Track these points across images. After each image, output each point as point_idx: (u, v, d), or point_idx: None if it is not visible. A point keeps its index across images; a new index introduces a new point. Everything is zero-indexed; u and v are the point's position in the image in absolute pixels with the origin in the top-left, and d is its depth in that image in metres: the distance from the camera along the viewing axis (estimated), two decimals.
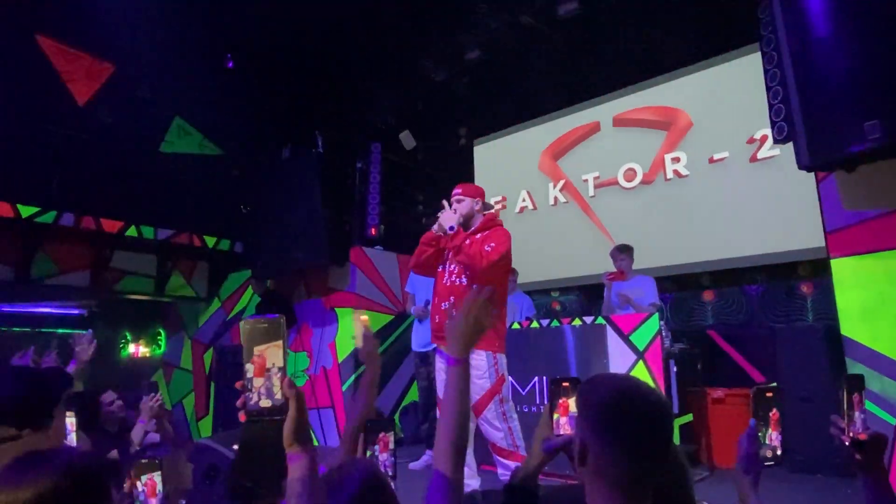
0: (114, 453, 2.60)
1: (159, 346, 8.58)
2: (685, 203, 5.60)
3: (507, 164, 7.14)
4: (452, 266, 3.17)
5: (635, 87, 6.12)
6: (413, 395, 6.16)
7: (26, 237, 6.04)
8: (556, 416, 1.26)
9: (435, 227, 3.19)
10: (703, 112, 5.61)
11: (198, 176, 6.86)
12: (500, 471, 3.11)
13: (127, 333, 8.76)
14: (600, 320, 4.17)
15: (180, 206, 6.65)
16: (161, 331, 8.55)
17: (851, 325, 3.62)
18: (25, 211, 5.51)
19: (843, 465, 3.60)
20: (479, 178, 7.40)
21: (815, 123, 3.35)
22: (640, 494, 0.97)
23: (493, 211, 3.39)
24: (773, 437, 1.25)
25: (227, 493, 1.34)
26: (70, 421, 1.64)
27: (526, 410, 4.32)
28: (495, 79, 6.77)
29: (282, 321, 0.98)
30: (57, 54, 5.86)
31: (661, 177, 5.81)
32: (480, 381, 3.02)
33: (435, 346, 3.43)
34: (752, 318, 5.23)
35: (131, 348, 8.72)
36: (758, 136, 5.14)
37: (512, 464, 3.02)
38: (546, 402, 1.30)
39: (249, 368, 0.96)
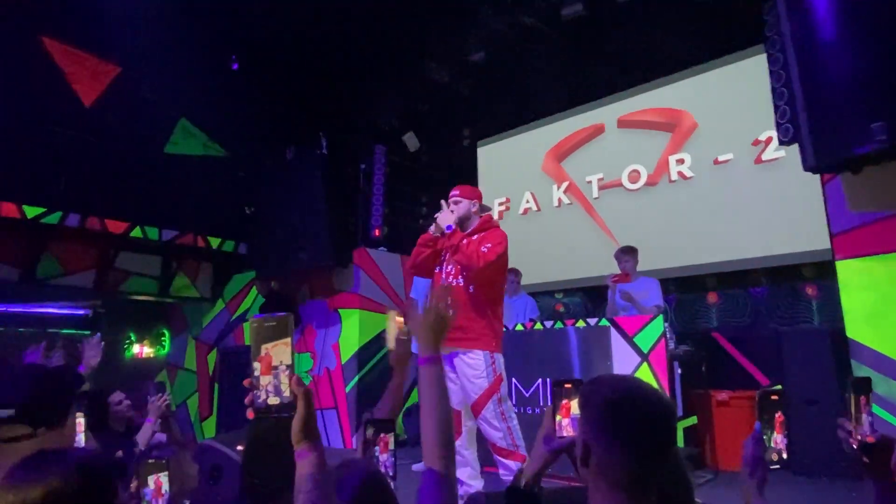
0: (118, 453, 2.61)
1: (163, 347, 8.60)
2: (690, 205, 5.58)
3: (511, 166, 7.14)
4: (449, 267, 3.19)
5: (639, 88, 6.11)
6: (416, 396, 6.16)
7: (32, 238, 6.07)
8: (558, 417, 1.25)
9: (432, 227, 3.20)
10: (707, 113, 5.60)
11: (202, 177, 6.88)
12: (501, 471, 3.11)
13: (131, 334, 8.78)
14: (604, 322, 4.16)
15: (185, 207, 6.68)
16: (165, 331, 8.58)
17: (857, 328, 3.61)
18: (31, 211, 5.53)
19: (849, 468, 3.58)
20: (483, 180, 7.40)
21: (821, 125, 3.34)
22: (643, 495, 0.97)
23: (489, 213, 3.39)
24: (777, 440, 1.25)
25: (241, 492, 1.35)
26: (79, 421, 1.65)
27: (529, 412, 4.31)
28: (499, 80, 6.77)
29: (290, 319, 0.98)
30: (62, 56, 5.89)
31: (665, 178, 5.80)
32: (479, 381, 3.02)
33: None
34: (757, 320, 5.21)
35: (135, 349, 8.73)
36: (763, 137, 5.12)
37: (512, 463, 3.02)
38: (549, 404, 1.29)
39: (257, 366, 0.96)
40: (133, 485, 1.46)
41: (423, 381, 1.23)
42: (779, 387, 4.13)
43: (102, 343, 2.62)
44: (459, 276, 3.13)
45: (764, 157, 5.14)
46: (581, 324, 4.30)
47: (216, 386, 7.11)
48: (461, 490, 3.14)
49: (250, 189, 6.99)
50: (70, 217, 5.79)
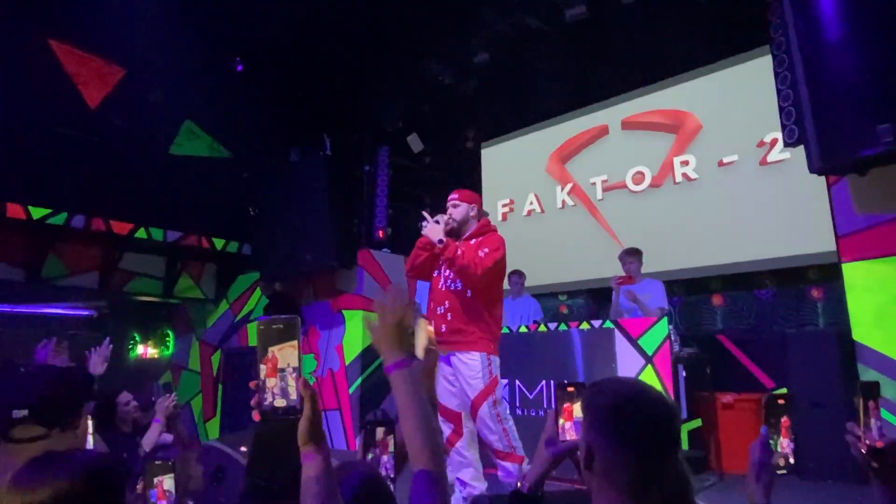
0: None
1: (167, 348, 8.62)
2: (694, 207, 5.57)
3: (515, 167, 7.13)
4: (447, 271, 3.20)
5: (644, 89, 6.10)
6: None
7: (37, 238, 6.10)
8: (561, 421, 1.25)
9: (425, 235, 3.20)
10: (712, 115, 5.58)
11: (207, 178, 6.90)
12: (499, 473, 3.13)
13: (135, 334, 8.80)
14: (608, 324, 4.15)
15: (189, 208, 6.70)
16: (169, 332, 8.59)
17: (864, 331, 3.59)
18: (36, 212, 5.56)
19: (855, 472, 3.56)
20: (487, 181, 7.40)
21: (827, 127, 3.33)
22: (647, 498, 0.96)
23: (487, 217, 3.40)
24: (784, 444, 1.24)
25: (245, 493, 1.34)
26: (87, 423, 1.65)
27: (533, 415, 4.31)
28: (503, 82, 6.77)
29: (297, 321, 0.98)
30: (69, 58, 5.93)
31: (669, 180, 5.79)
32: (474, 382, 3.03)
33: None
34: (762, 322, 5.19)
35: (140, 349, 8.76)
36: (768, 139, 5.11)
37: (510, 465, 3.03)
38: (552, 407, 1.29)
39: (263, 368, 0.96)
40: (139, 486, 1.47)
41: (397, 387, 1.16)
42: (784, 390, 4.11)
43: (111, 346, 2.63)
44: (457, 281, 3.15)
45: (769, 158, 5.13)
46: (585, 326, 4.30)
47: (220, 387, 7.12)
48: (465, 491, 3.14)
49: (254, 190, 7.01)
50: (75, 218, 5.81)
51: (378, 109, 7.24)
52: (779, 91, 3.96)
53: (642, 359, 3.90)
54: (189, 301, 7.71)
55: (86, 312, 9.22)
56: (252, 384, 0.96)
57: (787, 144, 4.01)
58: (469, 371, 3.05)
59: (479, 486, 3.16)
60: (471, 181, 7.22)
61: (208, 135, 7.06)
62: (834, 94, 3.31)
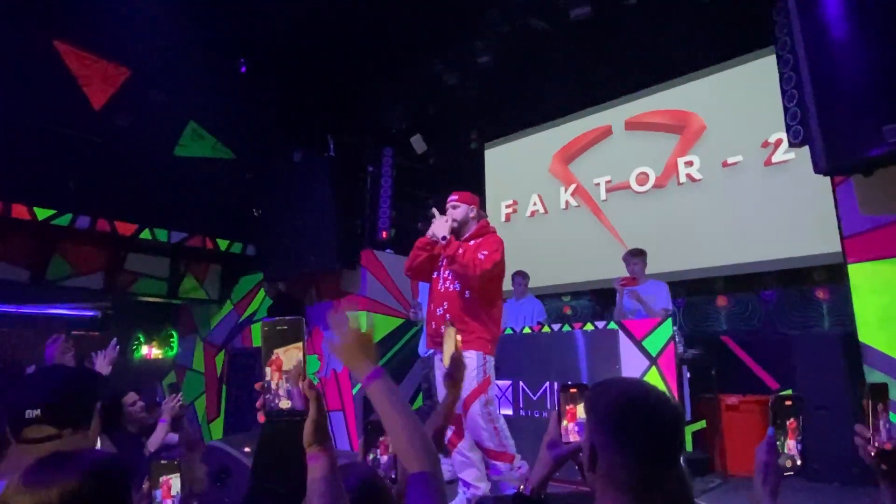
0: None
1: (172, 348, 8.65)
2: (698, 207, 5.55)
3: (519, 168, 7.13)
4: (447, 272, 3.22)
5: (648, 90, 6.08)
6: (421, 400, 6.16)
7: (42, 239, 6.13)
8: (564, 422, 1.25)
9: (429, 232, 3.21)
10: (716, 115, 5.56)
11: (211, 179, 6.92)
12: (490, 472, 3.15)
13: (140, 335, 8.84)
14: (612, 325, 4.14)
15: (193, 209, 6.72)
16: (174, 332, 8.62)
17: (869, 332, 3.57)
18: (42, 213, 5.58)
19: (860, 474, 3.54)
20: (490, 182, 7.40)
21: (832, 127, 3.32)
22: (651, 500, 0.96)
23: (486, 218, 3.41)
24: (790, 445, 1.23)
25: (250, 495, 1.35)
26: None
27: (537, 416, 4.30)
28: (506, 82, 6.76)
29: (301, 323, 0.98)
30: (73, 59, 5.95)
31: (673, 181, 5.77)
32: (467, 381, 3.04)
33: (434, 350, 3.46)
34: (767, 324, 5.17)
35: (144, 350, 8.79)
36: (772, 139, 5.09)
37: (501, 464, 3.05)
38: (554, 408, 1.28)
39: (269, 370, 0.96)
40: (145, 486, 1.47)
41: (376, 397, 1.13)
42: (789, 391, 4.09)
43: (118, 347, 2.63)
44: (456, 281, 3.17)
45: (774, 159, 5.10)
46: (589, 327, 4.28)
47: (224, 387, 7.14)
48: (468, 492, 3.14)
49: (258, 191, 7.03)
50: (80, 219, 5.84)
51: (382, 110, 7.24)
52: (784, 91, 3.94)
53: (646, 360, 3.89)
54: (193, 302, 7.74)
55: (90, 313, 9.26)
56: (257, 386, 0.96)
57: (791, 145, 3.99)
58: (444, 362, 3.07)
59: (482, 487, 3.17)
60: (474, 182, 7.21)
61: (212, 136, 7.09)
62: (839, 94, 3.30)
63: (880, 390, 1.24)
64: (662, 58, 5.89)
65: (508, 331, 4.70)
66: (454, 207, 3.31)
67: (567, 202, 6.59)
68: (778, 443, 1.22)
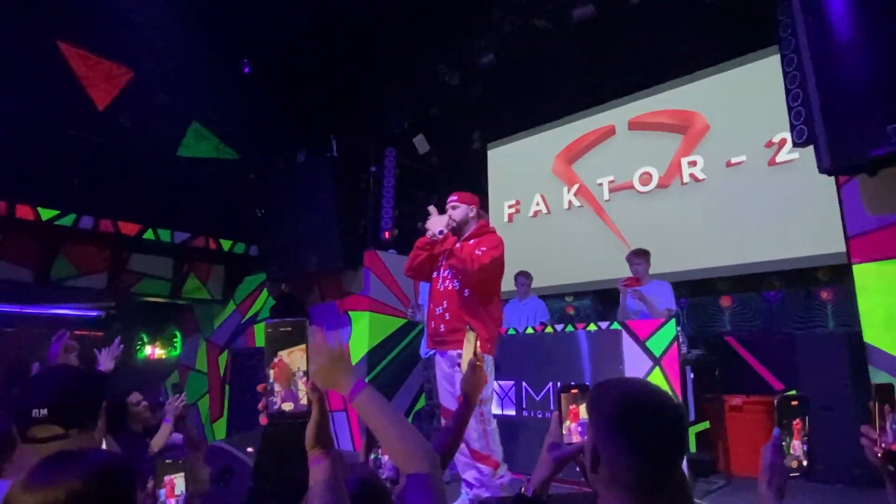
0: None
1: (175, 348, 8.66)
2: (702, 207, 5.54)
3: (521, 168, 7.12)
4: (446, 272, 3.22)
5: (651, 90, 6.07)
6: (423, 401, 6.16)
7: (46, 240, 6.15)
8: (567, 422, 1.24)
9: (429, 232, 3.21)
10: (720, 115, 5.55)
11: (214, 180, 6.94)
12: (473, 473, 3.11)
13: (143, 335, 8.86)
14: (616, 325, 4.13)
15: (197, 209, 6.74)
16: (177, 333, 8.64)
17: (875, 333, 3.55)
18: (45, 214, 5.60)
19: (865, 476, 3.53)
20: (493, 182, 7.39)
21: (837, 126, 3.30)
22: (654, 501, 0.95)
23: (486, 218, 3.41)
24: (795, 446, 1.22)
25: (251, 497, 1.34)
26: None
27: (540, 416, 4.29)
28: (509, 82, 6.76)
29: (305, 324, 0.97)
30: (77, 60, 5.98)
31: (677, 181, 5.75)
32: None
33: (434, 350, 3.45)
34: (771, 324, 5.15)
35: (148, 350, 8.81)
36: (776, 139, 5.07)
37: (484, 468, 3.02)
38: (555, 409, 1.27)
39: (271, 372, 0.96)
40: (149, 485, 1.47)
41: (363, 408, 1.09)
42: (793, 391, 4.07)
43: (121, 347, 2.64)
44: (455, 280, 3.17)
45: (778, 159, 5.09)
46: (592, 327, 4.28)
47: (227, 387, 7.15)
48: (471, 493, 3.13)
49: (261, 192, 7.04)
50: (83, 219, 5.86)
51: (384, 111, 7.24)
52: (788, 91, 3.93)
53: (650, 361, 3.88)
54: (196, 302, 7.75)
55: (94, 313, 9.29)
56: (260, 388, 0.96)
57: (796, 144, 3.97)
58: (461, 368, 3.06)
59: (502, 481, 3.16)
60: (477, 182, 7.21)
61: (215, 136, 7.10)
62: (844, 94, 3.28)
63: (887, 391, 1.23)
64: (666, 57, 5.87)
65: (511, 331, 4.70)
66: (454, 208, 3.32)
67: (570, 202, 6.58)
68: (783, 443, 1.21)
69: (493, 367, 3.23)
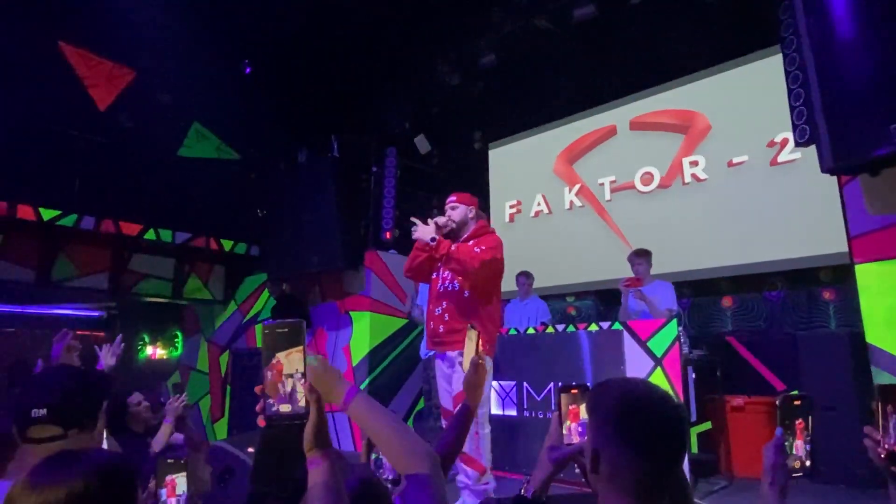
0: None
1: (176, 349, 8.67)
2: (704, 207, 5.52)
3: (522, 168, 7.11)
4: (445, 272, 3.22)
5: (652, 90, 6.06)
6: (423, 402, 6.15)
7: (47, 240, 6.16)
8: (567, 422, 1.24)
9: (417, 240, 3.21)
10: (721, 115, 5.53)
11: (215, 180, 6.94)
12: (459, 476, 3.09)
13: (145, 335, 8.87)
14: (617, 326, 4.12)
15: (198, 209, 6.74)
16: (178, 333, 8.65)
17: (877, 333, 3.54)
18: (47, 214, 5.61)
19: (867, 477, 3.51)
20: (494, 182, 7.38)
21: (839, 126, 3.29)
22: (654, 501, 0.95)
23: (485, 219, 3.41)
24: (798, 446, 1.22)
25: (250, 499, 1.34)
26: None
27: (541, 417, 4.28)
28: (510, 82, 6.76)
29: (302, 325, 0.97)
30: (78, 60, 5.98)
31: (678, 181, 5.74)
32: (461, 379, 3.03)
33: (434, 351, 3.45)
34: (773, 324, 5.13)
35: (149, 350, 8.82)
36: (778, 139, 5.06)
37: (471, 471, 3.00)
38: (555, 410, 1.27)
39: (269, 373, 0.95)
40: (151, 485, 1.47)
41: (359, 414, 1.07)
42: (795, 392, 4.06)
43: (123, 345, 2.63)
44: (455, 281, 3.17)
45: (780, 158, 5.07)
46: (593, 327, 4.27)
47: (228, 388, 7.15)
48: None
49: (262, 192, 7.04)
50: (85, 220, 5.86)
51: (385, 110, 7.24)
52: (790, 90, 3.92)
53: (651, 361, 3.87)
54: (197, 302, 7.76)
55: (95, 313, 9.30)
56: (258, 389, 0.95)
57: (798, 144, 3.96)
58: (460, 368, 3.05)
59: (485, 488, 3.15)
60: (478, 182, 7.21)
61: (216, 137, 7.11)
62: (846, 93, 3.27)
63: (890, 392, 1.23)
64: (667, 57, 5.86)
65: (512, 331, 4.69)
66: (453, 208, 3.33)
67: (571, 202, 6.57)
68: (786, 444, 1.20)
69: (492, 369, 3.22)
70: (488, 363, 3.14)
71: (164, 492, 1.47)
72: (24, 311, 8.62)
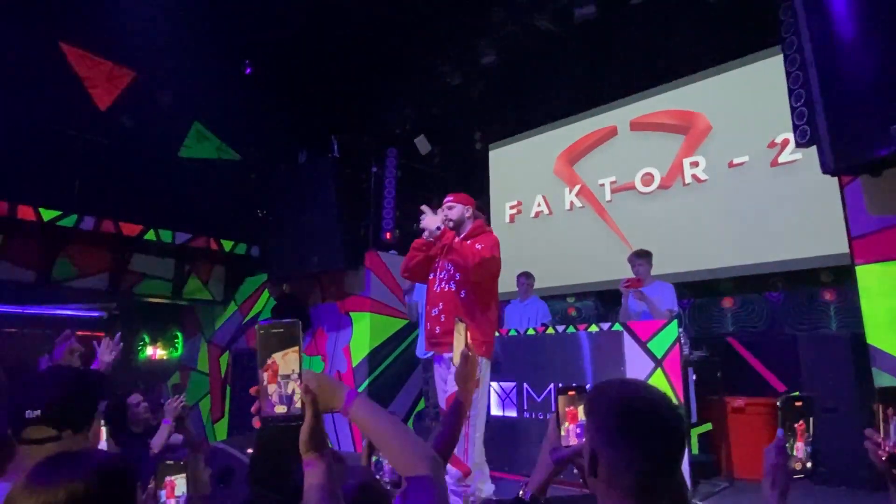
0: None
1: (176, 349, 8.67)
2: (704, 208, 5.52)
3: (523, 169, 7.11)
4: (442, 273, 3.21)
5: (653, 90, 6.05)
6: (423, 403, 6.15)
7: (47, 240, 6.16)
8: (566, 423, 1.23)
9: (426, 233, 3.20)
10: (722, 116, 5.53)
11: (215, 180, 6.94)
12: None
13: (145, 336, 8.87)
14: (617, 327, 4.11)
15: (198, 210, 6.74)
16: (178, 333, 8.65)
17: (878, 334, 3.53)
18: (47, 214, 5.61)
19: (868, 478, 3.50)
20: (495, 183, 7.38)
21: (840, 127, 3.28)
22: (653, 503, 0.94)
23: (482, 219, 3.41)
24: (799, 448, 1.21)
25: (250, 501, 1.33)
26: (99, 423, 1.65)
27: (541, 417, 4.28)
28: (511, 83, 6.76)
29: (297, 326, 0.96)
30: (79, 61, 5.99)
31: (679, 181, 5.74)
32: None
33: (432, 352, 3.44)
34: (774, 325, 5.13)
35: (149, 350, 8.82)
36: (779, 140, 5.05)
37: (453, 469, 2.96)
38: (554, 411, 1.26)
39: (265, 374, 0.94)
40: (150, 486, 1.46)
41: (360, 417, 1.06)
42: (796, 392, 4.05)
43: (122, 344, 2.62)
44: (451, 282, 3.16)
45: (780, 159, 5.07)
46: (594, 328, 4.26)
47: (228, 388, 7.15)
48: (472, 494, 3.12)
49: (263, 192, 7.04)
50: (85, 220, 5.86)
51: (386, 111, 7.24)
52: (791, 91, 3.91)
53: (652, 362, 3.86)
54: (198, 303, 7.76)
55: (95, 314, 9.30)
56: (253, 390, 0.95)
57: (798, 145, 3.95)
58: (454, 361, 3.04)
59: (487, 489, 3.14)
60: (478, 183, 7.21)
61: (217, 137, 7.11)
62: (847, 94, 3.27)
63: (891, 394, 1.22)
64: (668, 57, 5.86)
65: (513, 332, 4.69)
66: (450, 208, 3.32)
67: (572, 203, 6.57)
68: (787, 445, 1.20)
69: (489, 371, 3.21)
70: (485, 366, 3.12)
71: (163, 493, 1.47)
72: (25, 311, 8.62)
